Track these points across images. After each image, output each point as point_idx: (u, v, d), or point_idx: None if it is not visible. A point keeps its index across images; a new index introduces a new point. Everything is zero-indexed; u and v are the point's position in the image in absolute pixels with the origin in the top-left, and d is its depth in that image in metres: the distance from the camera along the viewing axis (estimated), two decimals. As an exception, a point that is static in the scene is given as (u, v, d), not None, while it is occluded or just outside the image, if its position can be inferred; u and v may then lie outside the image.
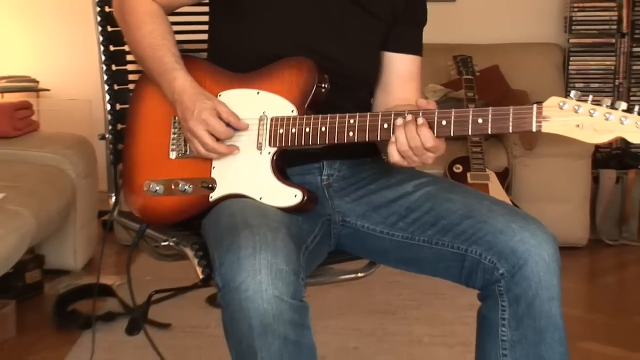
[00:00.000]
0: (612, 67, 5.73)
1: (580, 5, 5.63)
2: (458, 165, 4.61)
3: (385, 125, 2.09)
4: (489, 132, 2.01)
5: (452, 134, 2.02)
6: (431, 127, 2.00)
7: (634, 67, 5.74)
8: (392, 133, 2.04)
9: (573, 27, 5.68)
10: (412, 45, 2.44)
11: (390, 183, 2.31)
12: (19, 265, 3.89)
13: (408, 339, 3.58)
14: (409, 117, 2.02)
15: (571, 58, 5.73)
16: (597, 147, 5.02)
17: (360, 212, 2.29)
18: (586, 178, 4.93)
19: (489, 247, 2.07)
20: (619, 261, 4.76)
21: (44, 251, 4.28)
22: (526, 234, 2.06)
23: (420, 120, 1.99)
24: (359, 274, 2.50)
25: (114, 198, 2.59)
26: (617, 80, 5.70)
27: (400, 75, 2.44)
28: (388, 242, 2.24)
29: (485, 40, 5.59)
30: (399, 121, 2.03)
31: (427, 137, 1.99)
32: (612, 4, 5.63)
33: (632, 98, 5.59)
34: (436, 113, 2.02)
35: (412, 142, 2.00)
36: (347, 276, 2.52)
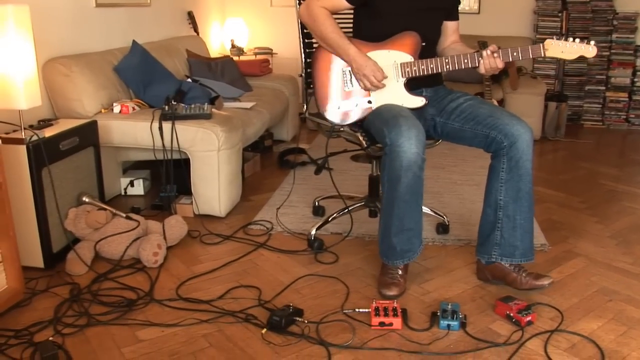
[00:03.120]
0: (558, 50, 5.45)
1: (542, 18, 5.32)
2: (478, 96, 4.47)
3: (465, 61, 2.13)
4: (520, 59, 2.07)
5: (502, 59, 2.10)
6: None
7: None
8: (480, 58, 2.10)
9: (538, 29, 5.38)
10: (456, 15, 2.39)
11: (452, 98, 2.28)
12: (261, 137, 4.00)
13: (449, 181, 3.55)
14: (489, 52, 2.09)
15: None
16: (547, 90, 4.82)
17: (438, 113, 2.27)
18: (541, 106, 4.69)
19: (500, 131, 2.06)
20: (554, 148, 4.61)
21: (273, 130, 4.34)
22: (518, 126, 2.05)
23: (497, 54, 2.08)
24: (433, 145, 2.46)
25: (305, 106, 2.60)
26: (560, 56, 5.44)
27: (451, 29, 2.39)
28: (450, 128, 2.23)
29: (494, 33, 5.32)
30: (484, 53, 2.09)
31: (499, 62, 2.08)
32: (557, 19, 5.31)
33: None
34: (499, 51, 2.10)
35: (491, 65, 2.08)
36: (428, 146, 2.46)
